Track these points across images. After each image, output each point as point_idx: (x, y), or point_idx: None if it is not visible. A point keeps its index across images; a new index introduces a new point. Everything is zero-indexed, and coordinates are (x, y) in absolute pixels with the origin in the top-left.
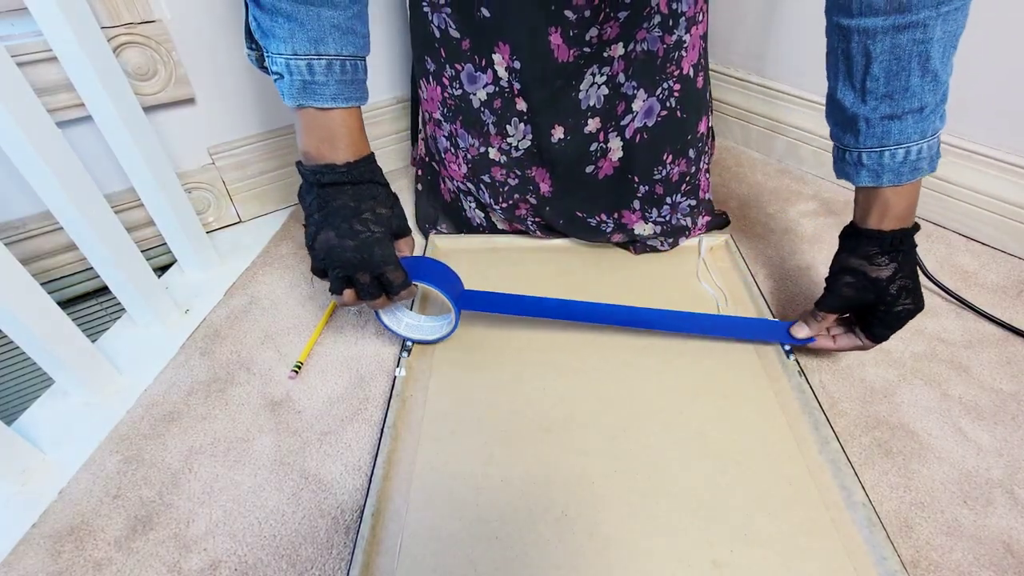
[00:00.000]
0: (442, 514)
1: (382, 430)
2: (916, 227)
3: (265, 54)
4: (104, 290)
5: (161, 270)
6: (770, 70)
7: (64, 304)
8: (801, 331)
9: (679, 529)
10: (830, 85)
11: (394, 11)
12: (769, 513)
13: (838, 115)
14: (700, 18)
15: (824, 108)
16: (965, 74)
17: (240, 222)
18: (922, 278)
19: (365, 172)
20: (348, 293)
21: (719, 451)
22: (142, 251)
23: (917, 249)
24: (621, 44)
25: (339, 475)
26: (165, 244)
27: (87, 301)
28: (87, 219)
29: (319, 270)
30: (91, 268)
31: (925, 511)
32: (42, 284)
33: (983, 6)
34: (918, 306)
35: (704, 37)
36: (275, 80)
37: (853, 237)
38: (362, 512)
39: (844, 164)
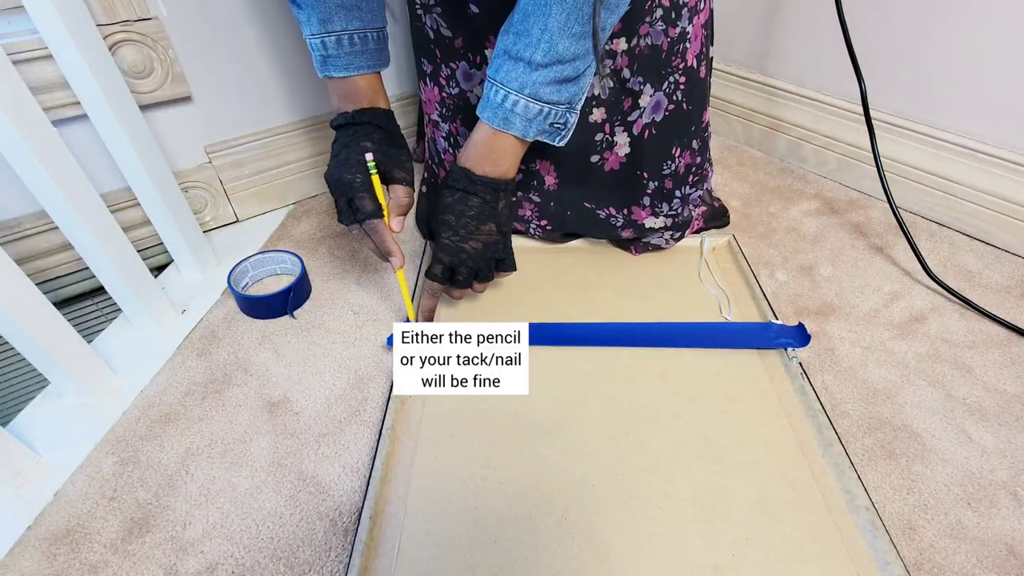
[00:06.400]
0: (440, 517)
1: (380, 432)
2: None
3: None
4: (100, 290)
5: (158, 270)
6: (772, 68)
7: (59, 304)
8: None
9: (680, 533)
10: None
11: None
12: (771, 517)
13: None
14: (701, 7)
15: (823, 106)
16: (971, 72)
17: (237, 221)
18: (925, 277)
19: (369, 117)
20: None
21: (721, 454)
22: (138, 251)
23: (920, 247)
24: (623, 39)
25: (337, 477)
26: (162, 244)
27: (83, 301)
28: (83, 218)
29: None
30: (87, 268)
31: (928, 513)
32: (37, 284)
33: (987, 3)
34: None
35: (706, 25)
36: None
37: (464, 180)
38: (360, 514)
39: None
